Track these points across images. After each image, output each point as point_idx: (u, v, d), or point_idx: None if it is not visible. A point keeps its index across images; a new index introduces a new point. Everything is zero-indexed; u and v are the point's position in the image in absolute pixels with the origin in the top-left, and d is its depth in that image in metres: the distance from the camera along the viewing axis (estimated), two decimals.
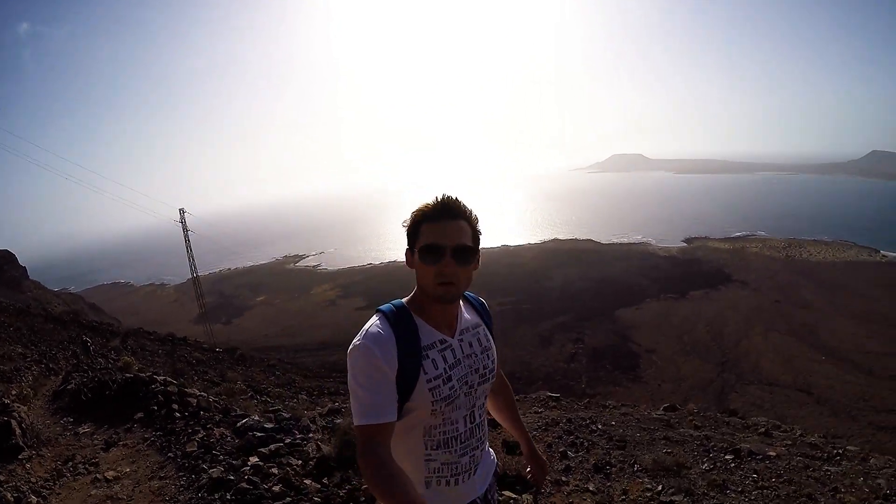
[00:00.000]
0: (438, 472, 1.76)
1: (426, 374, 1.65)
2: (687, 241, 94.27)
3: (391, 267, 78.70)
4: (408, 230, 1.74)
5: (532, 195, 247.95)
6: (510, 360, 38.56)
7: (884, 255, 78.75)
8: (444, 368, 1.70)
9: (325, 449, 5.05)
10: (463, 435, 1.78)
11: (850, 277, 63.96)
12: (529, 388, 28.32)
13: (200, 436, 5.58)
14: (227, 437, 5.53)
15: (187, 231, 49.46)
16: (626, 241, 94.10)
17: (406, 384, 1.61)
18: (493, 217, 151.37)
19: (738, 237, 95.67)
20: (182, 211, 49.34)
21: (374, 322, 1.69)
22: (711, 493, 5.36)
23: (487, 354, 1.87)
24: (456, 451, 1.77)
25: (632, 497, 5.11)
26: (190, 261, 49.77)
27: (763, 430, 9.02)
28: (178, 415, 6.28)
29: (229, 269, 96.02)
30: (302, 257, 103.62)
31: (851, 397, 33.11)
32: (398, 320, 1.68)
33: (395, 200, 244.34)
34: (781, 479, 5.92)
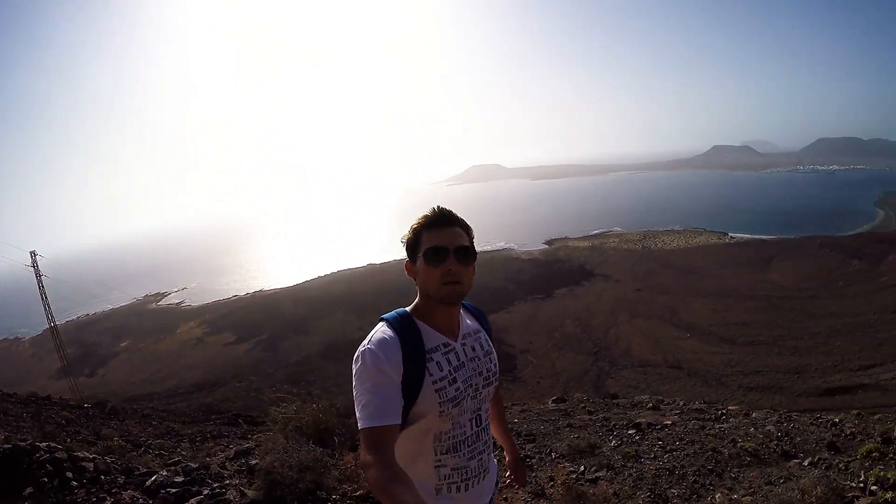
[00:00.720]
0: (449, 479, 1.81)
1: (431, 375, 1.71)
2: (548, 242, 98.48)
3: (258, 297, 75.83)
4: (408, 242, 1.83)
5: (394, 211, 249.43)
6: None
7: (731, 237, 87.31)
8: (449, 370, 1.76)
9: (250, 493, 4.77)
10: (470, 438, 1.83)
11: (703, 260, 70.10)
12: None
13: (109, 503, 5.12)
14: (138, 499, 5.10)
15: (40, 276, 44.80)
16: (489, 248, 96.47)
17: (412, 387, 1.66)
18: (357, 236, 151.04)
19: (596, 234, 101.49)
20: (34, 254, 44.58)
21: (378, 328, 1.75)
22: (629, 464, 5.64)
23: (489, 358, 1.93)
24: (465, 454, 1.82)
25: (560, 481, 5.26)
26: (46, 309, 44.92)
27: (651, 405, 9.67)
28: (75, 483, 5.65)
29: (87, 314, 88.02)
30: (164, 295, 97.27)
31: (718, 366, 36.07)
32: (402, 326, 1.75)
33: (254, 228, 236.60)
34: (684, 441, 6.36)
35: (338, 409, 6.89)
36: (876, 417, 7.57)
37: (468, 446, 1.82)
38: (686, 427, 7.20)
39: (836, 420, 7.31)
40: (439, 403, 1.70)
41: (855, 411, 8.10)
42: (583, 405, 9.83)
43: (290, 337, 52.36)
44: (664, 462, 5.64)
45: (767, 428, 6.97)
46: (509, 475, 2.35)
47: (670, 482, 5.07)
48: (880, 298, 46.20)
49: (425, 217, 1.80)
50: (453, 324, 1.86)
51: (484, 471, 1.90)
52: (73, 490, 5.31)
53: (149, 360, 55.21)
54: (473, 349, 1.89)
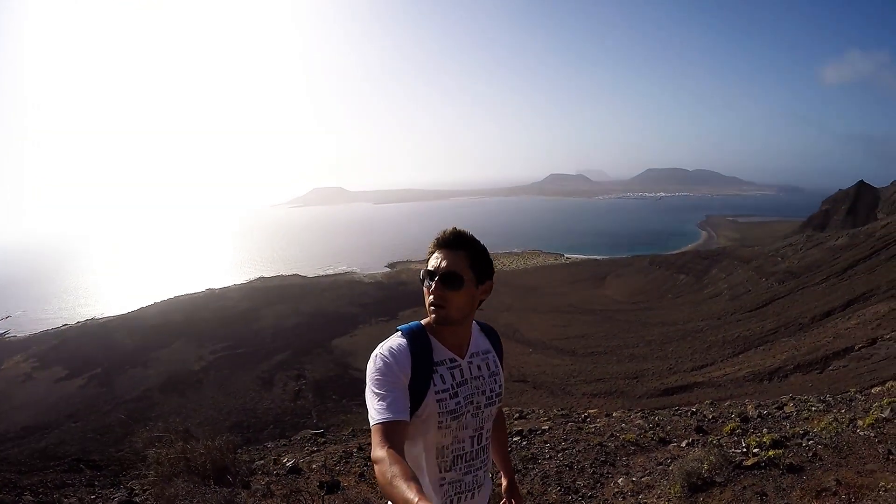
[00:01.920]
0: (444, 492, 1.86)
1: (435, 385, 1.77)
2: (390, 265, 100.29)
3: (89, 326, 68.88)
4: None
5: (235, 233, 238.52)
6: (234, 409, 36.74)
7: (567, 258, 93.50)
8: (452, 385, 1.81)
9: None
10: (469, 454, 1.88)
11: (542, 279, 74.36)
12: (261, 435, 27.35)
13: None
14: None
15: None
16: (332, 272, 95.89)
17: (417, 393, 1.71)
18: (195, 259, 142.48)
19: None
20: None
21: (393, 336, 1.81)
22: (530, 466, 5.98)
23: (494, 379, 1.97)
24: (461, 469, 1.87)
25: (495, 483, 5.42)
26: None
27: (517, 415, 10.26)
28: None
29: None
30: None
31: (562, 377, 38.20)
32: (414, 337, 1.80)
33: (83, 249, 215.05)
34: (569, 441, 6.84)
35: (232, 444, 6.55)
36: (727, 403, 8.61)
37: (465, 462, 1.87)
38: (564, 429, 7.74)
39: (695, 409, 8.23)
40: (439, 414, 1.75)
41: (707, 401, 9.10)
42: None
43: (127, 370, 48.00)
44: (560, 460, 6.02)
45: (637, 422, 7.71)
46: (504, 502, 2.33)
47: (573, 476, 5.45)
48: (706, 307, 51.71)
49: (438, 238, 1.85)
50: (461, 342, 1.90)
51: (478, 486, 1.93)
52: None
53: None
54: (479, 368, 1.93)
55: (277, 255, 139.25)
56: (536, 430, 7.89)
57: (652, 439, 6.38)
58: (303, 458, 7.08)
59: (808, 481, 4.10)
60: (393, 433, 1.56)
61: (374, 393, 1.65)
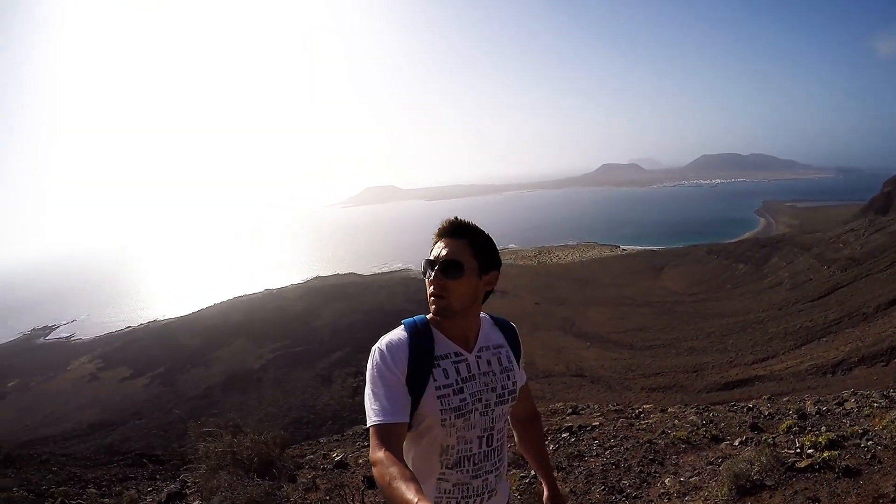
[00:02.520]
0: (448, 493, 1.78)
1: (435, 381, 1.69)
2: None
3: (152, 328, 71.80)
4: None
5: (291, 233, 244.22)
6: (293, 406, 37.50)
7: (623, 249, 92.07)
8: (456, 380, 1.73)
9: None
10: (477, 456, 1.78)
11: (598, 272, 73.35)
12: (319, 431, 27.83)
13: None
14: None
15: None
16: (387, 269, 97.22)
17: (415, 389, 1.65)
18: (252, 262, 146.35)
19: None
20: None
21: (394, 331, 1.76)
22: (575, 463, 5.83)
23: (507, 375, 1.86)
24: (468, 471, 1.78)
25: (513, 488, 5.34)
26: None
27: (570, 411, 9.99)
28: None
29: None
30: (52, 328, 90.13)
31: (620, 371, 37.60)
32: (416, 330, 1.75)
33: (143, 254, 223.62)
34: (618, 438, 6.64)
35: (279, 439, 6.66)
36: (785, 399, 8.23)
37: (473, 464, 1.78)
38: (615, 426, 7.51)
39: (751, 405, 7.90)
40: (441, 411, 1.68)
41: (766, 396, 8.75)
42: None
43: (189, 369, 49.99)
44: (607, 458, 5.86)
45: (691, 418, 7.43)
46: None
47: (619, 475, 5.30)
48: (766, 297, 50.04)
49: (440, 227, 1.82)
50: (468, 335, 1.82)
51: (489, 491, 1.84)
52: None
53: (41, 401, 51.03)
54: (489, 363, 1.83)
55: (333, 254, 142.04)
56: (587, 427, 7.67)
57: (704, 437, 6.15)
58: (352, 452, 7.13)
59: (865, 486, 3.84)
60: (390, 435, 1.54)
61: (372, 392, 1.63)
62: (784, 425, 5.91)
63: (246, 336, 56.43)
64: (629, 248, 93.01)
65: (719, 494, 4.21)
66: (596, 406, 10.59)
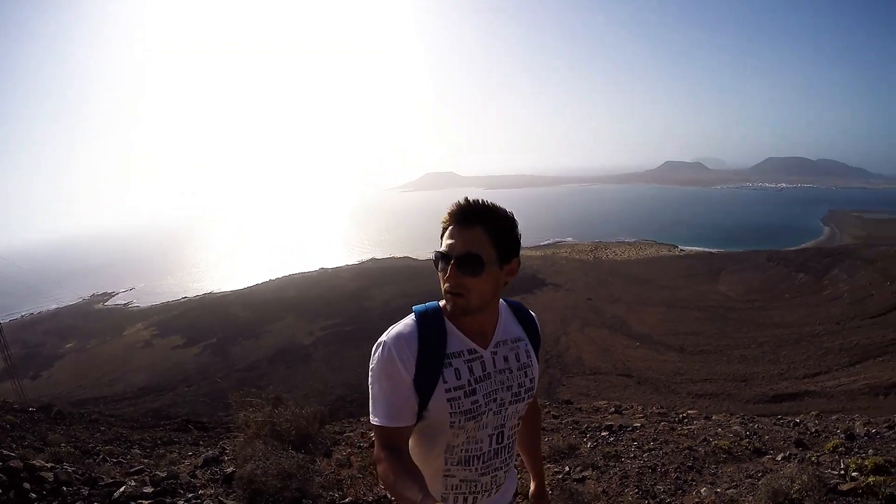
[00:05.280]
0: (456, 489, 1.69)
1: (446, 382, 1.55)
2: None
3: (207, 300, 73.89)
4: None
5: (348, 216, 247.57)
6: (339, 383, 38.10)
7: (681, 250, 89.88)
8: (469, 380, 1.59)
9: None
10: (486, 455, 1.68)
11: (653, 271, 71.86)
12: (361, 410, 28.27)
13: None
14: None
15: None
16: None
17: (423, 390, 1.54)
18: (311, 241, 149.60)
19: (548, 244, 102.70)
20: None
21: (404, 321, 1.61)
22: (611, 463, 5.81)
23: (525, 372, 1.72)
24: (476, 469, 1.67)
25: (548, 483, 5.36)
26: None
27: (613, 410, 9.95)
28: (33, 496, 5.25)
29: (32, 313, 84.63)
30: (111, 295, 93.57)
31: (668, 374, 36.88)
32: (428, 323, 1.59)
33: (207, 230, 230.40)
34: (658, 441, 6.57)
35: (319, 414, 6.81)
36: (834, 417, 8.01)
37: (483, 462, 1.67)
38: (656, 429, 7.44)
39: (798, 420, 7.71)
40: (450, 414, 1.55)
41: (814, 412, 8.52)
42: (546, 409, 9.96)
43: (240, 341, 51.23)
44: (644, 461, 5.82)
45: (734, 428, 7.30)
46: None
47: (654, 479, 5.26)
48: (824, 310, 48.17)
49: (451, 210, 1.58)
50: (485, 329, 1.66)
51: (497, 485, 1.74)
52: (33, 503, 4.96)
53: (96, 363, 53.30)
54: (506, 360, 1.68)
55: (388, 237, 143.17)
56: (627, 427, 7.64)
57: (746, 448, 6.03)
58: None
59: None
60: (394, 435, 1.49)
61: (376, 390, 1.53)
62: (830, 444, 5.76)
63: (297, 312, 57.47)
64: (687, 248, 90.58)
65: None
66: (640, 407, 10.52)
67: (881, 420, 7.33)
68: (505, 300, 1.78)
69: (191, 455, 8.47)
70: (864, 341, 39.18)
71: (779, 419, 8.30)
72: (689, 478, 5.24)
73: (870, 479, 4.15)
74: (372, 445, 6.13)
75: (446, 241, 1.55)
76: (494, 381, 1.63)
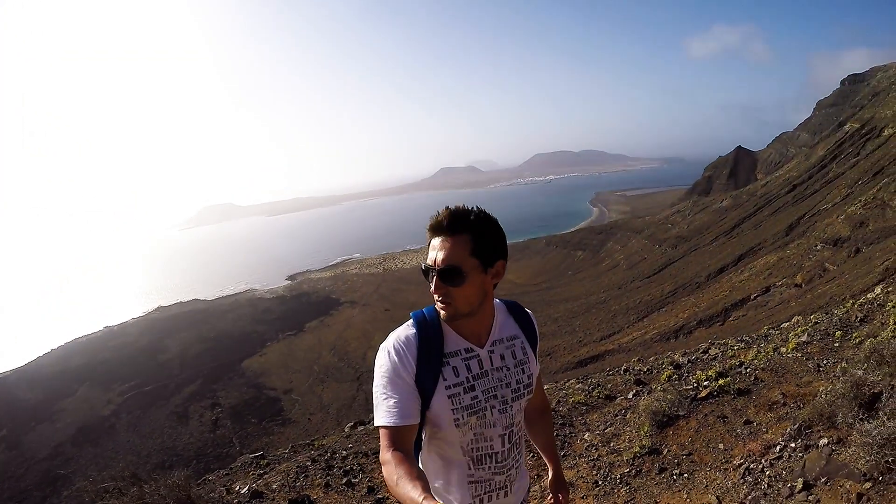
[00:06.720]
0: (473, 492, 1.75)
1: (445, 380, 1.62)
2: (290, 278, 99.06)
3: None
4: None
5: (126, 263, 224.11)
6: (153, 450, 35.27)
7: None
8: (467, 377, 1.66)
9: None
10: (499, 454, 1.73)
11: None
12: (185, 473, 26.35)
13: None
14: None
15: None
16: (231, 291, 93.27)
17: (425, 389, 1.60)
18: (84, 299, 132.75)
19: (337, 263, 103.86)
20: None
21: (403, 326, 1.68)
22: None
23: (522, 368, 1.78)
24: (490, 468, 1.73)
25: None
26: None
27: None
28: None
29: None
30: None
31: None
32: (425, 326, 1.66)
33: None
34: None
35: (189, 477, 6.27)
36: (652, 358, 9.21)
37: (496, 462, 1.73)
38: None
39: (626, 368, 8.77)
40: (452, 410, 1.62)
41: (635, 359, 9.72)
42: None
43: (34, 427, 44.66)
44: None
45: (577, 386, 8.13)
46: (551, 498, 2.18)
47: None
48: (606, 279, 54.17)
49: (430, 224, 1.62)
50: (480, 329, 1.72)
51: (511, 483, 1.81)
52: None
53: None
54: (503, 357, 1.74)
55: (172, 282, 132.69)
56: None
57: (598, 397, 6.78)
58: (254, 482, 6.91)
59: (759, 399, 4.71)
60: (399, 435, 1.53)
61: (382, 393, 1.57)
62: (664, 375, 6.76)
63: (90, 381, 51.60)
64: None
65: (641, 432, 4.86)
66: None
67: (693, 349, 8.64)
68: (501, 300, 1.84)
69: None
70: (646, 298, 44.72)
71: (608, 371, 9.37)
72: (566, 432, 5.83)
73: (719, 383, 5.15)
74: (252, 497, 5.84)
75: (429, 254, 1.61)
76: (493, 379, 1.70)
